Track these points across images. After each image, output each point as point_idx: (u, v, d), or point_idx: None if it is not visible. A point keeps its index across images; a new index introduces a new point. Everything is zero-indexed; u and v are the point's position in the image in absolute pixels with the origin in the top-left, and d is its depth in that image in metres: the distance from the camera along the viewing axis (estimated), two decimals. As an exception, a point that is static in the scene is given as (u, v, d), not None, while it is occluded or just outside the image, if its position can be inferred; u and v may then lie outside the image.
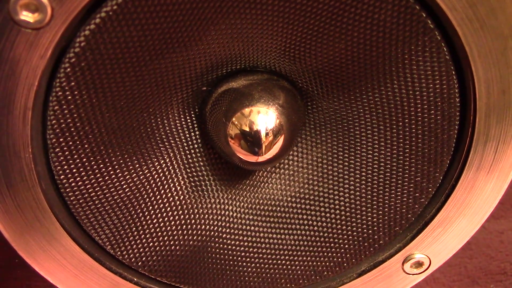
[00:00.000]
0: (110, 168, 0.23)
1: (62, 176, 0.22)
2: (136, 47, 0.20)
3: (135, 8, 0.19)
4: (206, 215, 0.26)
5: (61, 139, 0.21)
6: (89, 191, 0.23)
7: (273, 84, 0.24)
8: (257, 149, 0.23)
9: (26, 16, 0.19)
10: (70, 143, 0.22)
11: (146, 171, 0.24)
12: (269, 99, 0.23)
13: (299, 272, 0.27)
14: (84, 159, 0.22)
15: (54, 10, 0.19)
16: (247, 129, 0.23)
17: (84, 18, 0.19)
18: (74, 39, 0.20)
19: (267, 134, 0.23)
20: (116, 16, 0.19)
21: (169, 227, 0.25)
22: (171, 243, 0.25)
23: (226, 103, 0.24)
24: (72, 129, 0.21)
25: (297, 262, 0.27)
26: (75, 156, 0.22)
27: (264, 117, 0.23)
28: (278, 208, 0.26)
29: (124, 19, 0.19)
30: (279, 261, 0.26)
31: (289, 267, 0.27)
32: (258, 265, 0.26)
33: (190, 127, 0.25)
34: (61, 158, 0.22)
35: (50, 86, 0.20)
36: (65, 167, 0.22)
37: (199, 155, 0.25)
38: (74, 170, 0.22)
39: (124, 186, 0.24)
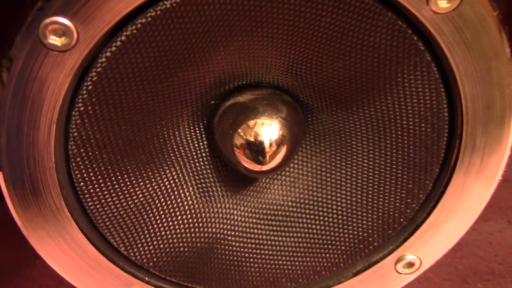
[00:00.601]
0: (125, 176, 0.25)
1: (82, 184, 0.24)
2: (152, 66, 0.22)
3: (152, 32, 0.21)
4: (213, 219, 0.27)
5: (81, 150, 0.23)
6: (106, 197, 0.25)
7: (276, 98, 0.26)
8: (261, 159, 0.25)
9: (54, 40, 0.20)
10: (90, 153, 0.24)
11: (158, 178, 0.26)
12: (273, 112, 0.25)
13: (299, 271, 0.29)
14: (102, 168, 0.24)
15: (80, 35, 0.20)
16: (252, 139, 0.25)
17: (106, 41, 0.21)
18: (96, 60, 0.21)
19: (270, 144, 0.25)
20: (135, 39, 0.21)
21: (178, 230, 0.27)
22: (180, 244, 0.27)
23: (233, 116, 0.26)
24: (92, 140, 0.23)
25: (297, 263, 0.28)
26: (94, 165, 0.24)
27: (268, 129, 0.25)
28: (280, 212, 0.28)
29: (142, 42, 0.21)
30: (280, 262, 0.28)
31: (289, 267, 0.28)
32: (260, 265, 0.28)
33: (199, 138, 0.27)
34: (81, 167, 0.24)
35: (73, 101, 0.22)
36: (84, 175, 0.24)
37: (206, 163, 0.27)
38: (93, 178, 0.24)
39: (138, 193, 0.26)
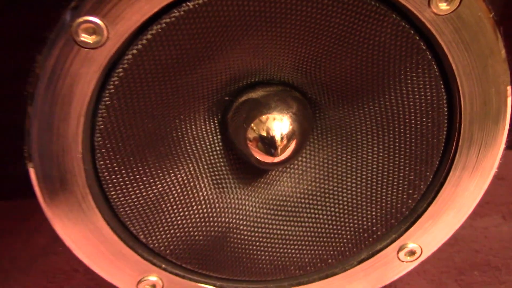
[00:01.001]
0: (146, 167, 0.26)
1: (106, 173, 0.26)
2: (174, 63, 0.24)
3: (176, 31, 0.23)
4: (226, 209, 0.29)
5: (106, 141, 0.25)
6: (127, 187, 0.26)
7: (287, 95, 0.28)
8: (273, 151, 0.27)
9: (86, 38, 0.22)
10: (114, 145, 0.25)
11: (176, 170, 0.28)
12: (284, 108, 0.27)
13: (306, 260, 0.30)
14: (125, 159, 0.26)
15: (109, 33, 0.22)
16: (264, 133, 0.27)
17: (132, 39, 0.23)
18: (123, 57, 0.23)
19: (282, 138, 0.27)
20: (159, 38, 0.23)
21: (193, 220, 0.28)
22: (195, 233, 0.29)
23: (246, 111, 0.27)
24: (116, 133, 0.25)
25: (304, 251, 0.30)
26: (117, 156, 0.26)
27: (280, 124, 0.27)
28: (289, 203, 0.30)
29: (166, 40, 0.23)
30: (289, 250, 0.30)
31: (297, 255, 0.30)
32: (270, 253, 0.30)
33: (214, 132, 0.28)
34: (105, 157, 0.25)
35: (99, 96, 0.24)
36: (108, 165, 0.26)
37: (220, 157, 0.29)
38: (116, 169, 0.26)
39: (157, 184, 0.27)
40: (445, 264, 0.42)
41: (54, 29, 0.22)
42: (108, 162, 0.25)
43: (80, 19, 0.22)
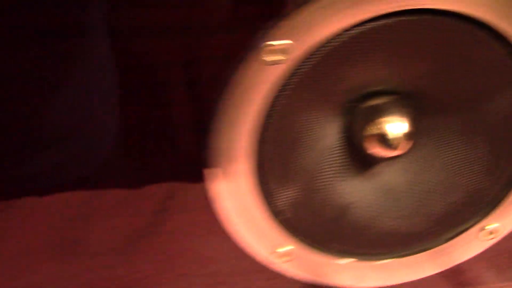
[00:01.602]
0: (294, 158, 0.34)
1: (267, 162, 0.33)
2: (332, 75, 0.31)
3: (344, 51, 0.30)
4: (345, 193, 0.36)
5: (272, 135, 0.32)
6: (281, 176, 0.34)
7: (402, 102, 0.35)
8: (391, 147, 0.34)
9: (272, 56, 0.29)
10: (277, 138, 0.32)
11: (311, 160, 0.35)
12: (400, 113, 0.34)
13: (405, 236, 0.37)
14: (280, 151, 0.33)
15: (293, 53, 0.29)
16: (384, 132, 0.34)
17: (307, 57, 0.30)
18: (295, 72, 0.30)
19: (398, 137, 0.34)
20: (330, 55, 0.30)
21: (321, 200, 0.35)
22: (322, 211, 0.36)
23: (369, 114, 0.34)
24: (279, 129, 0.32)
25: (405, 229, 0.37)
26: (277, 147, 0.33)
27: (397, 125, 0.34)
28: (393, 189, 0.37)
29: (335, 57, 0.30)
30: (393, 227, 0.37)
31: (399, 232, 0.37)
32: (378, 229, 0.37)
33: (340, 131, 0.35)
34: (270, 149, 0.32)
35: (273, 103, 0.31)
36: (271, 155, 0.33)
37: (344, 150, 0.36)
38: (275, 159, 0.33)
39: (301, 170, 0.34)
40: None
41: (246, 50, 0.29)
42: (270, 152, 0.33)
43: (270, 42, 0.29)
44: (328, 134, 0.35)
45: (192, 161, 0.34)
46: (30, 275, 0.38)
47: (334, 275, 0.37)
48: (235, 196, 0.34)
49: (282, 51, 0.29)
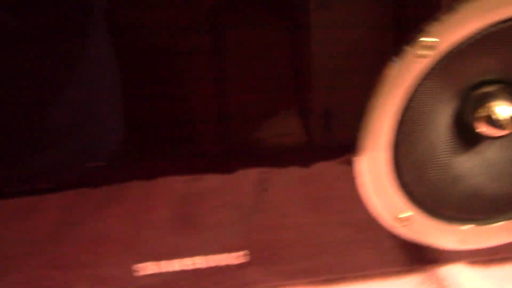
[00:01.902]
0: (421, 136, 0.40)
1: (401, 139, 0.39)
2: (456, 71, 0.38)
3: (465, 55, 0.36)
4: (456, 167, 0.43)
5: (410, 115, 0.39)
6: (408, 149, 0.40)
7: (508, 90, 0.41)
8: (499, 127, 0.40)
9: (422, 52, 0.36)
10: (412, 117, 0.39)
11: (432, 138, 0.41)
12: (507, 97, 0.41)
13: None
14: (411, 127, 0.39)
15: (435, 51, 0.36)
16: (494, 114, 0.40)
17: (443, 55, 0.36)
18: (435, 66, 0.37)
19: (506, 118, 0.40)
20: (456, 56, 0.36)
21: (440, 176, 0.42)
22: (440, 184, 0.42)
23: (481, 99, 0.41)
24: (413, 112, 0.39)
25: (494, 200, 0.44)
26: (412, 125, 0.39)
27: (504, 108, 0.40)
28: (497, 163, 0.43)
29: (459, 58, 0.37)
30: (498, 196, 0.43)
31: (502, 202, 0.44)
32: (484, 198, 0.43)
33: (456, 113, 0.42)
34: (406, 126, 0.39)
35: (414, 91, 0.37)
36: (404, 135, 0.39)
37: (455, 131, 0.42)
38: (405, 135, 0.39)
39: (423, 148, 0.41)
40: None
41: (397, 46, 0.35)
42: (404, 133, 0.39)
43: (423, 39, 0.35)
44: (446, 118, 0.42)
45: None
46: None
47: (443, 237, 0.44)
48: (373, 171, 0.40)
49: (430, 47, 0.36)
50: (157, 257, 0.42)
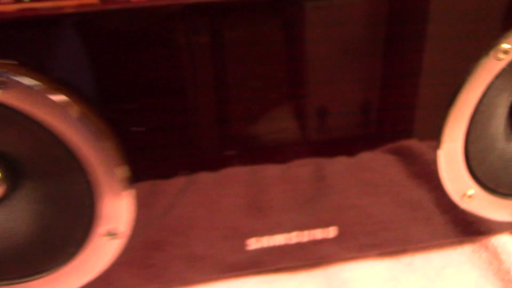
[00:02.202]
0: (486, 124, 0.48)
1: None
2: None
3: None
4: (510, 150, 0.51)
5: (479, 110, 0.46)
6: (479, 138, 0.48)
7: None
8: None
9: (500, 55, 0.43)
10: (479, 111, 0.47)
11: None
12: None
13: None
14: (481, 119, 0.47)
15: (509, 56, 0.43)
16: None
17: (516, 56, 0.44)
18: (505, 68, 0.44)
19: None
20: None
21: (500, 157, 0.50)
22: (498, 164, 0.50)
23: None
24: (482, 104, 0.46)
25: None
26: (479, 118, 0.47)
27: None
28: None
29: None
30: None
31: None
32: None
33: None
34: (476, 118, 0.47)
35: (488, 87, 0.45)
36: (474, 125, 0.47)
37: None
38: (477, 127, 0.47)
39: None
40: None
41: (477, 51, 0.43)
42: (475, 121, 0.47)
43: (504, 45, 0.43)
44: (504, 109, 0.50)
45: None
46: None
47: (499, 211, 0.52)
48: (449, 156, 0.48)
49: (506, 52, 0.43)
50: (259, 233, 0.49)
